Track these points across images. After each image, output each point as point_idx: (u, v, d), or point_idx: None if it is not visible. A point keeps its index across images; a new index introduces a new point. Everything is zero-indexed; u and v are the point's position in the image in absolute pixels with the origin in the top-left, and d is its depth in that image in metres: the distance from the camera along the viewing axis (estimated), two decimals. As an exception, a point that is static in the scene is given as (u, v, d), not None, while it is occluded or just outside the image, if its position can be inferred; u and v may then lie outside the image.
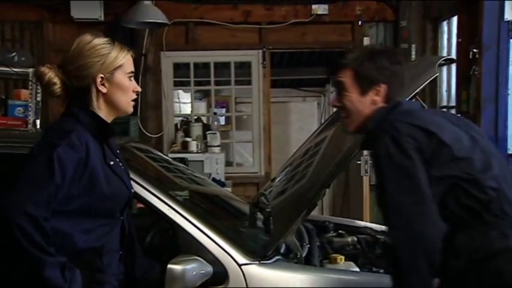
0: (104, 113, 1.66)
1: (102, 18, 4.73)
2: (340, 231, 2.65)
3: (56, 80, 1.60)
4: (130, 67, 1.68)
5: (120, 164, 1.73)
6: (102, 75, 1.61)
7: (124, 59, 1.65)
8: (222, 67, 5.61)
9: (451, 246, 1.55)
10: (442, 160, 1.55)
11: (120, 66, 1.63)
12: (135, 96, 1.70)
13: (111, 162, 1.65)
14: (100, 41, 1.63)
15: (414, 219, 1.51)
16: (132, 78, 1.69)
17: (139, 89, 1.71)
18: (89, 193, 1.57)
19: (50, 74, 1.60)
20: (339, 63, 1.79)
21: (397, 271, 1.57)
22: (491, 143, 1.75)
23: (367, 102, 1.72)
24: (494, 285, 1.52)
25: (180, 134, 5.09)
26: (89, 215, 1.60)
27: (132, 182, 1.90)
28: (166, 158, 3.20)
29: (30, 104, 3.51)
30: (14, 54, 3.95)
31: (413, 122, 1.59)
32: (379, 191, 1.62)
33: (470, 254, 1.54)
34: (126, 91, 1.66)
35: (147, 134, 4.91)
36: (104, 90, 1.62)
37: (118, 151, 1.76)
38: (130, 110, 1.71)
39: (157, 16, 4.13)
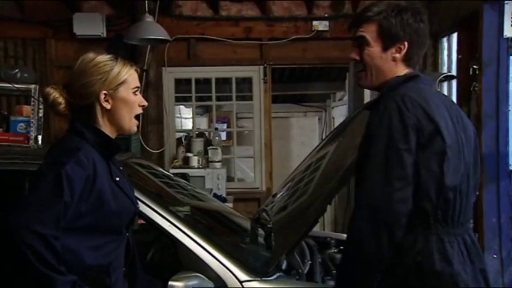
0: (108, 129, 1.67)
1: (105, 35, 4.77)
2: (342, 247, 2.64)
3: (61, 99, 1.62)
4: (134, 82, 1.68)
5: (125, 179, 1.74)
6: (105, 92, 1.62)
7: (127, 75, 1.66)
8: (223, 82, 5.64)
9: (399, 247, 1.56)
10: (432, 150, 1.54)
11: (123, 82, 1.65)
12: (141, 111, 1.71)
13: (117, 179, 1.66)
14: (103, 58, 1.64)
15: (386, 192, 1.51)
16: (138, 93, 1.70)
17: (145, 103, 1.72)
18: (97, 210, 1.57)
19: (55, 94, 1.62)
20: (361, 15, 1.73)
21: (356, 240, 1.56)
22: (475, 150, 1.71)
23: (387, 59, 1.68)
24: (434, 287, 1.55)
25: (182, 149, 5.10)
26: (97, 231, 1.60)
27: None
28: (168, 173, 3.20)
29: (32, 120, 3.53)
30: (16, 70, 3.99)
31: (422, 105, 1.56)
32: (364, 151, 1.60)
33: (414, 256, 1.56)
34: (131, 106, 1.67)
35: (149, 149, 4.91)
36: (108, 106, 1.64)
37: (121, 168, 1.77)
38: (134, 129, 1.72)
39: (159, 33, 4.16)
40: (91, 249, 1.58)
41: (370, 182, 1.55)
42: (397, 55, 1.67)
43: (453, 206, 1.59)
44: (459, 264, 1.56)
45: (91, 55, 1.65)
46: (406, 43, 1.66)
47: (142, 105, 1.71)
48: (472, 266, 1.60)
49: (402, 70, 1.70)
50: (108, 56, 1.65)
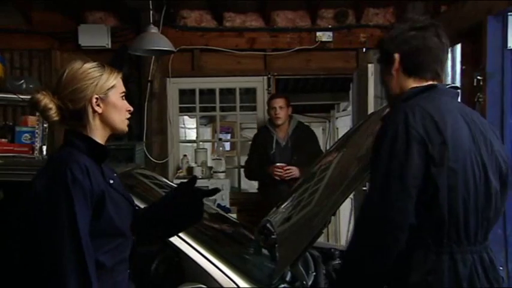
0: (100, 132, 1.69)
1: (110, 46, 4.81)
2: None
3: (51, 105, 1.64)
4: (122, 87, 1.74)
5: (119, 181, 1.74)
6: (97, 96, 1.66)
7: (115, 80, 1.71)
8: (227, 93, 5.65)
9: (408, 263, 1.55)
10: (443, 162, 1.51)
11: (113, 87, 1.70)
12: (129, 115, 1.75)
13: (111, 181, 1.67)
14: (91, 65, 1.69)
15: (385, 202, 1.51)
16: (124, 98, 1.74)
17: (131, 108, 1.76)
18: (97, 218, 1.56)
19: (46, 100, 1.63)
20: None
21: (355, 249, 1.59)
22: (503, 166, 1.65)
23: (391, 75, 1.73)
24: None
25: (186, 159, 5.10)
26: (98, 237, 1.57)
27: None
28: (171, 184, 3.20)
29: (37, 131, 3.54)
30: (22, 81, 4.01)
31: (433, 114, 1.54)
32: (371, 161, 1.62)
33: (423, 274, 1.54)
34: (120, 110, 1.72)
35: (153, 159, 4.92)
36: (99, 110, 1.67)
37: (115, 174, 1.76)
38: (126, 128, 1.75)
39: (164, 44, 4.18)
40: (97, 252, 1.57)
41: (372, 191, 1.57)
42: (395, 68, 1.72)
43: (465, 223, 1.55)
44: (470, 285, 1.54)
45: (79, 62, 1.70)
46: (396, 55, 1.70)
47: (129, 110, 1.75)
48: (489, 286, 1.57)
49: (410, 82, 1.70)
50: (95, 63, 1.71)
